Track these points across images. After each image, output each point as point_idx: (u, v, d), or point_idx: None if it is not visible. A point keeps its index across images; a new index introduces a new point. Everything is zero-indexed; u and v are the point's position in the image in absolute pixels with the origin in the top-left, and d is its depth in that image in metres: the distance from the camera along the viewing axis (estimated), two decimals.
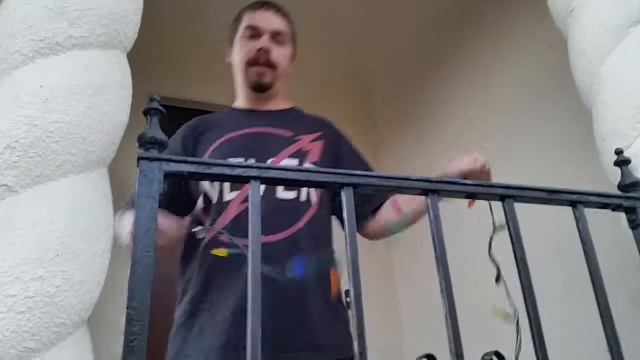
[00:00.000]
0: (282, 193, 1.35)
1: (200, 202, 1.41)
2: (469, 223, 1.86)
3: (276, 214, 1.30)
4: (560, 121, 2.13)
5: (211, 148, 1.43)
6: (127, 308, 0.76)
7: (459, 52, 2.85)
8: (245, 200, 1.34)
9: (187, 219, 1.43)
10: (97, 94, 0.83)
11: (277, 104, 1.58)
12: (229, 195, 1.38)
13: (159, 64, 2.92)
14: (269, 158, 1.39)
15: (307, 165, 1.42)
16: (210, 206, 1.39)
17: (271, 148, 1.42)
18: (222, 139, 1.45)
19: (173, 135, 1.51)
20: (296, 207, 1.35)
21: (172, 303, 1.40)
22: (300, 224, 1.33)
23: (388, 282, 3.05)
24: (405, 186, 0.96)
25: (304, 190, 1.39)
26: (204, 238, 1.33)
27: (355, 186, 0.94)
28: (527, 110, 2.29)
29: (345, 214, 0.92)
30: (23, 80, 0.81)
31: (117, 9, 0.92)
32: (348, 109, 3.25)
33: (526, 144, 2.27)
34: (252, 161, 1.40)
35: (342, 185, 0.94)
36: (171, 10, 3.05)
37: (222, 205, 1.37)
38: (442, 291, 0.88)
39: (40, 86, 0.79)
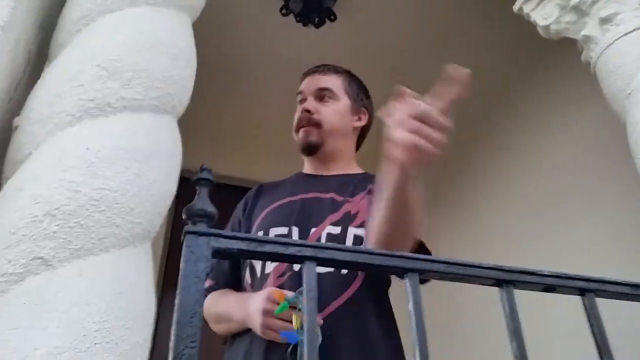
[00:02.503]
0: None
1: (247, 276, 1.32)
2: (547, 317, 1.71)
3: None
4: (614, 202, 2.03)
5: (258, 219, 1.37)
6: None
7: (502, 132, 2.80)
8: (282, 274, 1.25)
9: None
10: (146, 161, 0.76)
11: (343, 168, 1.47)
12: (269, 267, 1.29)
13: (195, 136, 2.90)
14: (312, 227, 1.30)
15: (351, 230, 1.32)
16: (255, 280, 1.30)
17: (315, 216, 1.33)
18: (269, 208, 1.38)
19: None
20: (337, 280, 1.21)
21: None
22: (340, 300, 1.21)
23: None
24: (476, 275, 0.86)
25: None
26: None
27: (421, 272, 0.85)
28: (578, 190, 2.19)
29: (410, 305, 0.82)
30: (68, 142, 0.74)
31: (171, 73, 0.86)
32: None
33: (577, 226, 2.15)
34: (295, 230, 1.33)
35: (406, 270, 0.84)
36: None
37: (264, 277, 1.28)
38: None
39: (87, 149, 0.72)
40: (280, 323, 1.10)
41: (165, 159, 0.80)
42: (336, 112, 1.47)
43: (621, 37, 1.42)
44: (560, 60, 2.32)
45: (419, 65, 3.00)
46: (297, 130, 1.47)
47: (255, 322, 1.14)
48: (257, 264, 1.33)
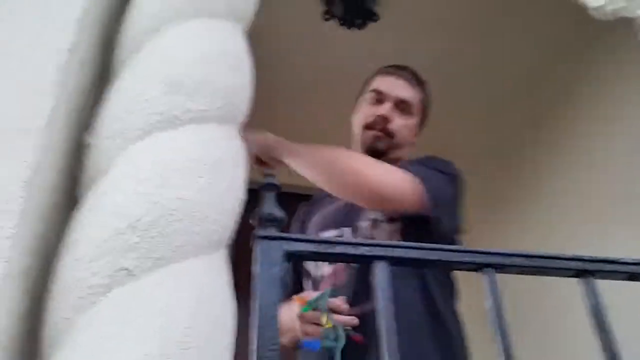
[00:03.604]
0: None
1: (307, 283, 1.35)
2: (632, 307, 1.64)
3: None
4: None
5: (309, 228, 1.39)
6: None
7: (553, 117, 2.72)
8: (339, 272, 1.26)
9: None
10: (216, 170, 0.77)
11: None
12: (326, 269, 1.31)
13: None
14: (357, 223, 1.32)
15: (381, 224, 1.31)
16: (315, 283, 1.32)
17: (359, 215, 1.34)
18: (319, 214, 1.40)
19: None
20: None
21: None
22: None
23: None
24: (555, 266, 0.83)
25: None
26: None
27: (497, 267, 0.83)
28: None
29: (489, 303, 0.80)
30: (139, 155, 0.76)
31: (233, 82, 0.87)
32: None
33: None
34: (346, 231, 1.33)
35: (482, 266, 0.83)
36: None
37: (319, 280, 1.30)
38: None
39: (159, 161, 0.74)
40: (312, 329, 1.09)
41: (232, 167, 0.81)
42: (408, 127, 1.48)
43: None
44: (615, 45, 2.24)
45: (466, 57, 2.95)
46: (366, 129, 1.46)
47: (296, 330, 1.13)
48: (314, 268, 1.34)
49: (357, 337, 1.09)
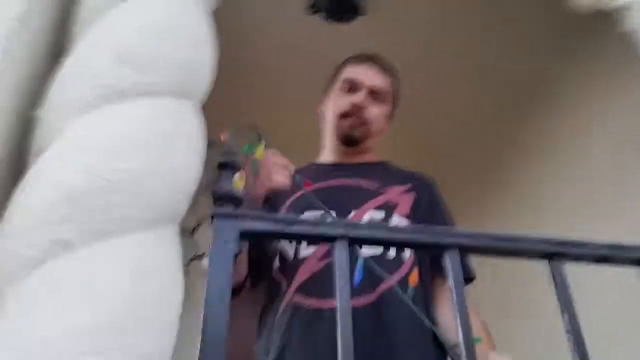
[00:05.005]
0: (365, 249, 1.19)
1: (276, 261, 1.30)
2: (601, 289, 1.61)
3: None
4: None
5: (288, 202, 1.33)
6: None
7: (535, 125, 2.70)
8: (325, 255, 1.21)
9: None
10: (166, 144, 0.73)
11: (366, 158, 1.49)
12: (305, 251, 1.25)
13: None
14: (350, 211, 1.26)
15: (395, 218, 1.28)
16: (286, 265, 1.26)
17: (354, 201, 1.30)
18: (296, 195, 1.33)
19: None
20: (383, 267, 1.17)
21: None
22: (387, 285, 1.15)
23: None
24: (524, 248, 0.80)
25: None
26: (281, 302, 1.21)
27: (462, 248, 0.79)
28: (627, 166, 2.07)
29: (450, 282, 0.77)
30: (85, 127, 0.72)
31: (189, 57, 0.84)
32: None
33: (630, 203, 2.04)
34: (332, 214, 1.29)
35: (446, 247, 0.79)
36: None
37: (299, 262, 1.24)
38: None
39: (104, 133, 0.70)
40: None
41: (185, 144, 0.77)
42: (382, 115, 1.49)
43: None
44: (598, 37, 2.23)
45: (451, 55, 2.93)
46: (341, 118, 1.46)
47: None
48: (290, 249, 1.28)
49: None
